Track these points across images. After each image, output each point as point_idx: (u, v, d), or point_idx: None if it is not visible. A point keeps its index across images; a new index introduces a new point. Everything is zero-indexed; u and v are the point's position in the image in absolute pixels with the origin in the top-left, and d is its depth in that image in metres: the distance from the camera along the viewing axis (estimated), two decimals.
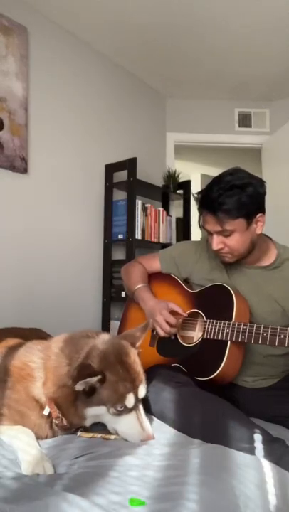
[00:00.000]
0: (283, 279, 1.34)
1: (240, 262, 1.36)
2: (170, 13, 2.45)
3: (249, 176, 1.28)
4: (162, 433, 1.07)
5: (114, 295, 2.75)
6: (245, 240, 1.28)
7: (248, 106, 3.63)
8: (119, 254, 2.91)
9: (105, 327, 2.72)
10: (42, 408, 1.02)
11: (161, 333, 1.37)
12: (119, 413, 0.99)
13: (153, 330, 1.43)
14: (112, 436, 1.02)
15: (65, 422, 1.01)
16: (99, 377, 0.96)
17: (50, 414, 1.02)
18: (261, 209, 1.28)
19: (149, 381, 1.22)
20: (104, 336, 1.10)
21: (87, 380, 0.94)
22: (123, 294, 2.64)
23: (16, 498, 0.71)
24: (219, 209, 1.22)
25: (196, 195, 1.33)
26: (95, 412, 1.00)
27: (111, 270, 2.79)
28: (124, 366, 1.01)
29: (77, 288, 2.65)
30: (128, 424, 1.00)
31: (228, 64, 3.03)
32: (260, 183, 1.27)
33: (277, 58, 2.93)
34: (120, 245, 2.87)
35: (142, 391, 1.04)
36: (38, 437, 1.02)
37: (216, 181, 1.27)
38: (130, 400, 0.99)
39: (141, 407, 1.03)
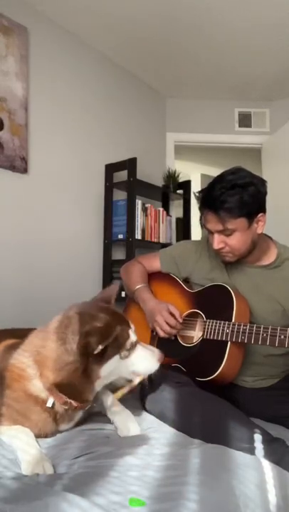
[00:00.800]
0: (283, 279, 1.34)
1: (241, 261, 1.36)
2: (170, 13, 2.45)
3: (251, 175, 1.28)
4: (162, 433, 1.07)
5: None
6: (246, 240, 1.28)
7: (248, 106, 3.63)
8: (119, 254, 2.91)
9: None
10: (44, 402, 1.02)
11: (161, 334, 1.37)
12: (129, 352, 1.05)
13: (153, 330, 1.43)
14: (137, 379, 1.07)
15: (74, 404, 1.01)
16: (116, 332, 0.99)
17: (53, 406, 1.02)
18: (262, 208, 1.28)
19: (149, 381, 1.23)
20: (77, 305, 1.10)
21: (110, 339, 0.97)
22: (123, 294, 2.63)
23: (16, 498, 0.71)
24: (221, 208, 1.22)
25: (197, 194, 1.33)
26: (109, 368, 1.01)
27: (111, 270, 2.79)
28: (111, 314, 1.06)
29: (77, 288, 2.65)
30: (141, 357, 1.07)
31: (228, 64, 3.03)
32: (262, 183, 1.28)
33: (278, 58, 2.93)
34: (120, 245, 2.87)
35: (132, 325, 1.11)
36: (43, 434, 1.02)
37: (218, 180, 1.27)
38: (132, 335, 1.07)
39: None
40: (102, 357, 0.99)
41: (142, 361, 1.07)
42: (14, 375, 1.05)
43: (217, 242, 1.28)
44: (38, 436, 1.01)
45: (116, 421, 1.12)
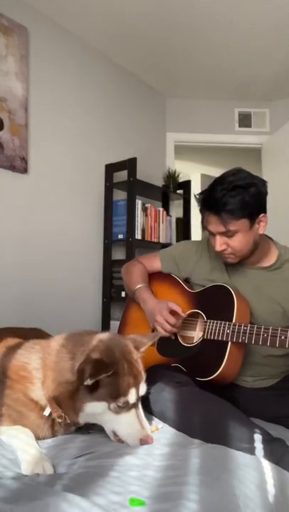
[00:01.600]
0: (284, 280, 1.34)
1: (241, 262, 1.36)
2: (170, 13, 2.45)
3: (251, 176, 1.28)
4: (162, 433, 1.07)
5: (114, 295, 2.74)
6: (249, 241, 1.27)
7: (248, 106, 3.63)
8: (119, 254, 2.91)
9: (105, 327, 2.72)
10: (42, 409, 1.02)
11: (162, 333, 1.37)
12: (120, 410, 0.97)
13: (153, 330, 1.43)
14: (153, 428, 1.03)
15: (68, 420, 1.01)
16: (111, 371, 0.95)
17: (50, 414, 1.02)
18: (263, 209, 1.28)
19: (149, 381, 1.23)
20: (108, 334, 1.10)
21: (103, 375, 0.93)
22: (123, 294, 2.64)
23: (16, 498, 0.71)
24: (223, 209, 1.22)
25: (197, 196, 1.33)
26: (94, 409, 0.97)
27: (111, 270, 2.79)
28: (127, 362, 1.01)
29: (77, 288, 2.65)
30: (127, 423, 0.98)
31: (228, 64, 3.03)
32: (262, 183, 1.28)
33: (278, 58, 2.93)
34: (120, 245, 2.87)
35: (142, 388, 1.04)
36: (38, 438, 1.02)
37: (219, 182, 1.26)
38: (132, 395, 0.99)
39: (140, 406, 1.03)
40: (91, 393, 0.96)
41: (126, 428, 0.98)
42: (21, 374, 1.05)
43: (219, 243, 1.28)
44: (35, 438, 1.01)
45: None
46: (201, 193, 1.32)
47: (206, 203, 1.27)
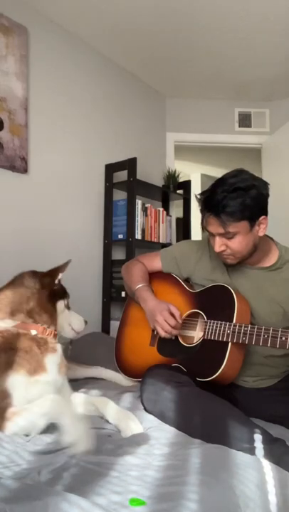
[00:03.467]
0: (284, 281, 1.33)
1: (242, 263, 1.35)
2: (170, 13, 2.45)
3: (253, 177, 1.27)
4: (162, 433, 1.07)
5: (114, 295, 2.74)
6: (248, 243, 1.27)
7: (248, 106, 3.63)
8: (119, 254, 2.91)
9: (105, 327, 2.72)
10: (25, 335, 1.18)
11: (162, 334, 1.37)
12: (68, 306, 1.40)
13: (153, 330, 1.43)
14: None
15: (50, 329, 1.23)
16: (62, 272, 1.34)
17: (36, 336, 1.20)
18: (264, 211, 1.28)
19: (149, 381, 1.23)
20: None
21: (60, 275, 1.33)
22: (123, 294, 2.64)
23: (16, 498, 0.71)
24: (223, 211, 1.21)
25: (198, 197, 1.32)
26: (61, 306, 1.34)
27: (111, 270, 2.79)
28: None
29: (77, 288, 2.64)
30: (74, 314, 1.44)
31: (228, 64, 3.03)
32: (264, 185, 1.27)
33: (278, 58, 2.93)
34: (120, 245, 2.87)
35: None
36: (38, 369, 1.12)
37: (220, 183, 1.26)
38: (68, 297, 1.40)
39: None
40: (56, 294, 1.32)
41: (76, 318, 1.43)
42: None
43: (218, 244, 1.28)
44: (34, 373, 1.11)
45: (117, 424, 1.12)
46: (201, 194, 1.31)
47: (207, 204, 1.26)
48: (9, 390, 1.03)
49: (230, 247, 1.27)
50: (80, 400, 1.23)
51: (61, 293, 1.36)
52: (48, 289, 1.30)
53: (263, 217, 1.27)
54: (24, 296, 1.26)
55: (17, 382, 1.06)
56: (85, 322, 1.46)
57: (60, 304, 1.34)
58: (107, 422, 1.15)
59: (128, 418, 1.12)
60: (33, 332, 1.19)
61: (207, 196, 1.27)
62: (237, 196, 1.20)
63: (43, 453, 0.93)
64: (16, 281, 1.33)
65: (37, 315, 1.23)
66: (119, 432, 1.09)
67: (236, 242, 1.26)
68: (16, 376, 1.06)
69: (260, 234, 1.29)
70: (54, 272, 1.34)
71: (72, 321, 1.41)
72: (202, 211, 1.30)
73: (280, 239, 1.45)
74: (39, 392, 1.06)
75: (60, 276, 1.33)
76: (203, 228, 1.33)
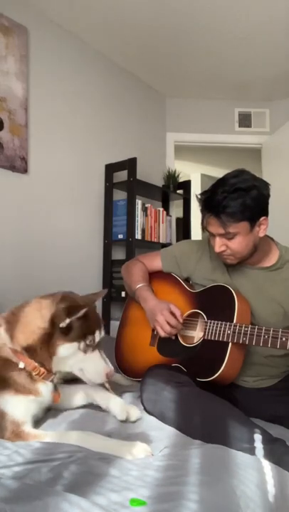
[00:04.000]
0: (285, 281, 1.33)
1: (242, 263, 1.35)
2: (170, 13, 2.45)
3: (253, 178, 1.26)
4: (162, 433, 1.07)
5: (114, 295, 2.74)
6: (248, 243, 1.27)
7: (248, 106, 3.63)
8: (119, 254, 2.91)
9: (105, 327, 2.71)
10: (16, 365, 1.07)
11: (162, 334, 1.37)
12: (87, 348, 1.10)
13: (153, 330, 1.43)
14: (107, 385, 1.18)
15: (43, 370, 1.08)
16: (85, 310, 1.07)
17: (25, 368, 1.07)
18: (265, 212, 1.27)
19: (149, 381, 1.23)
20: (65, 291, 1.20)
21: (77, 315, 1.06)
22: (123, 294, 2.64)
23: (16, 498, 0.71)
24: (223, 212, 1.21)
25: (199, 197, 1.32)
26: (66, 350, 1.08)
27: (111, 270, 2.79)
28: (91, 308, 1.13)
29: (78, 288, 2.64)
30: (94, 360, 1.12)
31: (228, 64, 3.03)
32: (265, 186, 1.26)
33: (277, 58, 2.93)
34: (120, 245, 2.87)
35: (102, 331, 1.16)
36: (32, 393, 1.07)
37: (220, 183, 1.25)
38: (97, 335, 1.13)
39: (102, 349, 1.16)
40: (66, 335, 1.07)
41: (93, 366, 1.11)
42: None
43: (218, 245, 1.27)
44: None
45: (111, 407, 1.14)
46: (202, 194, 1.31)
47: (207, 205, 1.26)
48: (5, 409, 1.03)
49: (230, 248, 1.27)
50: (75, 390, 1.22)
51: (75, 335, 1.08)
52: (51, 328, 1.07)
53: (263, 217, 1.26)
54: (30, 325, 1.09)
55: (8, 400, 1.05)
56: (109, 373, 1.12)
57: (67, 348, 1.08)
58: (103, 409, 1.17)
59: (124, 403, 1.16)
60: (21, 365, 1.07)
61: (207, 196, 1.27)
62: (237, 197, 1.20)
63: (44, 453, 0.93)
64: (42, 302, 1.13)
65: (33, 350, 1.07)
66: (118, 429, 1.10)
67: (236, 243, 1.26)
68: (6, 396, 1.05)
69: (261, 235, 1.28)
70: (68, 310, 1.07)
71: (87, 369, 1.11)
72: (202, 211, 1.30)
73: (280, 239, 1.45)
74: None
75: (67, 321, 1.06)
76: (204, 228, 1.33)
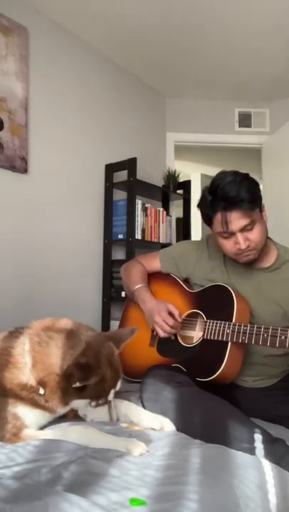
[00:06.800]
0: (283, 281, 1.33)
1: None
2: (170, 13, 2.45)
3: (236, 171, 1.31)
4: (162, 432, 1.07)
5: (114, 295, 2.74)
6: (264, 231, 1.30)
7: (248, 106, 3.63)
8: (119, 254, 2.91)
9: (105, 327, 2.72)
10: (34, 390, 1.04)
11: (161, 334, 1.37)
12: (98, 405, 1.08)
13: (153, 330, 1.43)
14: (136, 428, 1.11)
15: (49, 405, 1.06)
16: (98, 378, 1.02)
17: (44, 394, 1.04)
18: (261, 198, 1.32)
19: (149, 381, 1.23)
20: (93, 334, 1.13)
21: (92, 381, 1.00)
22: (123, 294, 2.64)
23: (16, 498, 0.71)
24: (243, 200, 1.21)
25: (209, 199, 1.27)
26: (78, 404, 1.08)
27: (111, 270, 2.79)
28: (111, 365, 1.08)
29: (77, 288, 2.65)
30: (100, 412, 1.11)
31: (228, 64, 3.03)
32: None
33: (278, 58, 2.93)
34: (120, 245, 2.87)
35: (119, 385, 1.12)
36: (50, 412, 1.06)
37: (223, 180, 1.24)
38: (111, 395, 1.10)
39: (112, 397, 1.12)
40: (77, 391, 1.03)
41: (97, 416, 1.12)
42: (7, 359, 1.07)
43: (243, 240, 1.24)
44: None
45: (142, 418, 1.13)
46: (211, 195, 1.26)
47: (223, 202, 1.22)
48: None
49: (252, 240, 1.26)
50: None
51: (88, 395, 1.05)
52: (65, 382, 1.02)
53: (263, 203, 1.31)
54: (48, 361, 1.04)
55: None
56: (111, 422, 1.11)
57: (78, 402, 1.07)
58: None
59: (152, 414, 1.15)
60: (41, 391, 1.04)
61: (222, 196, 1.23)
62: (247, 185, 1.23)
63: (44, 452, 0.93)
64: (66, 342, 1.06)
65: (46, 386, 1.03)
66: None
67: (256, 232, 1.26)
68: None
69: (266, 222, 1.32)
70: (84, 371, 1.01)
71: (90, 416, 1.12)
72: (218, 211, 1.25)
73: (279, 239, 1.45)
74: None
75: (78, 384, 1.00)
76: (223, 233, 1.27)
